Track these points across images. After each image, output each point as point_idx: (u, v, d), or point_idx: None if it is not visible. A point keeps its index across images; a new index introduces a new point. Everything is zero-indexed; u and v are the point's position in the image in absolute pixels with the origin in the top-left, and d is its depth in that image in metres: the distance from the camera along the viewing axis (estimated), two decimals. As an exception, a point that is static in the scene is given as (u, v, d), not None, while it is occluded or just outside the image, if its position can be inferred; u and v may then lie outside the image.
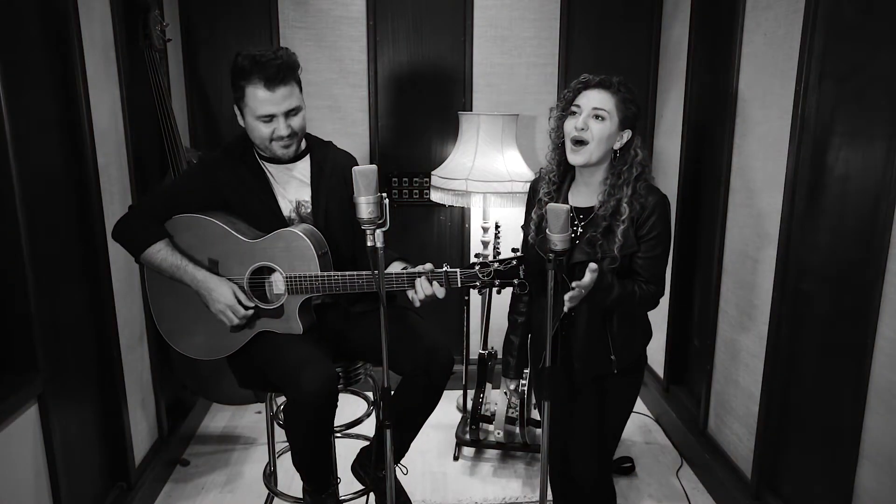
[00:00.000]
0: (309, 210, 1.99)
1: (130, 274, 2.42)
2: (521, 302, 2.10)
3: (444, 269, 1.77)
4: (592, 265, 1.68)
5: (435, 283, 1.77)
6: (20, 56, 1.82)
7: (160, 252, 1.88)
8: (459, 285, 1.78)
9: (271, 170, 1.98)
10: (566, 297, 1.71)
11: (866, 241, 1.79)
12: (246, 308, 1.87)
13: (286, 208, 1.98)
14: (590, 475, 2.01)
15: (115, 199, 2.29)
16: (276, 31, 3.02)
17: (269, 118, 1.85)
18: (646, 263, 1.84)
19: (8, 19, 1.77)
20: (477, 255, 2.19)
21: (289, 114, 1.86)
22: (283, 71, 1.81)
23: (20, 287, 1.79)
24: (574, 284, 1.68)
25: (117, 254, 2.29)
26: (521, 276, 1.73)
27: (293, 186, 2.00)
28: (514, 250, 1.80)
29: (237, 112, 1.92)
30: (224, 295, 1.85)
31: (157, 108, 2.55)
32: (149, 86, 2.53)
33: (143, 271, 2.03)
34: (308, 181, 2.00)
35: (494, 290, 1.77)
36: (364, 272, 1.83)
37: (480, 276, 1.74)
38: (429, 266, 1.79)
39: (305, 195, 2.00)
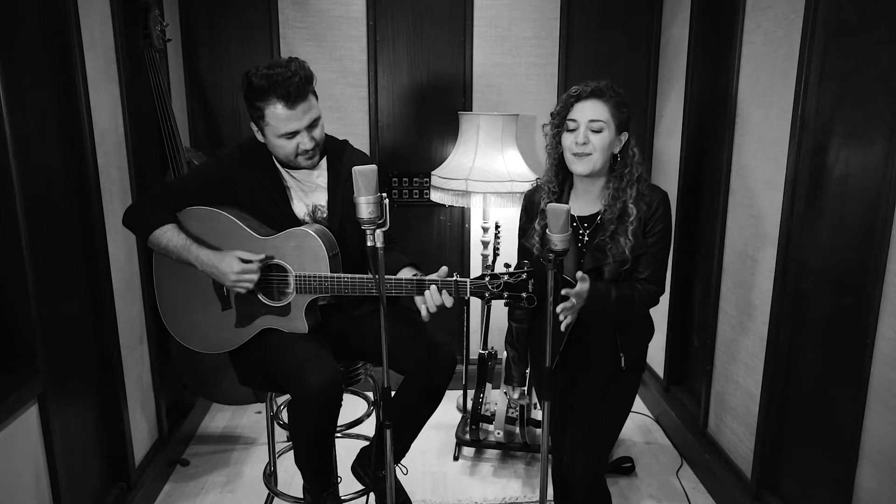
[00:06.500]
0: (325, 214, 2.00)
1: (130, 274, 2.42)
2: (520, 309, 2.06)
3: (454, 279, 1.76)
4: (580, 273, 1.65)
5: (444, 292, 1.76)
6: (20, 56, 1.81)
7: (167, 233, 1.89)
8: (468, 296, 1.77)
9: (294, 175, 1.98)
10: (558, 308, 1.65)
11: (866, 241, 1.79)
12: (256, 263, 1.83)
13: (301, 212, 1.98)
14: (586, 476, 2.00)
15: (115, 199, 2.29)
16: (276, 31, 3.02)
17: (293, 134, 1.84)
18: (648, 259, 1.84)
19: (8, 19, 1.77)
20: (486, 267, 2.15)
21: (310, 126, 1.86)
22: (301, 86, 1.79)
23: (20, 287, 1.79)
24: (564, 292, 1.64)
25: (117, 254, 2.29)
26: (530, 290, 1.70)
27: (312, 191, 2.01)
28: (524, 263, 1.77)
29: (255, 129, 1.89)
30: (231, 265, 1.83)
31: (157, 108, 2.55)
32: (149, 86, 2.53)
33: (151, 259, 2.02)
34: (326, 186, 2.00)
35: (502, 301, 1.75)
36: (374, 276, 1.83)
37: (490, 287, 1.73)
38: (443, 270, 1.78)
39: (323, 200, 2.00)
